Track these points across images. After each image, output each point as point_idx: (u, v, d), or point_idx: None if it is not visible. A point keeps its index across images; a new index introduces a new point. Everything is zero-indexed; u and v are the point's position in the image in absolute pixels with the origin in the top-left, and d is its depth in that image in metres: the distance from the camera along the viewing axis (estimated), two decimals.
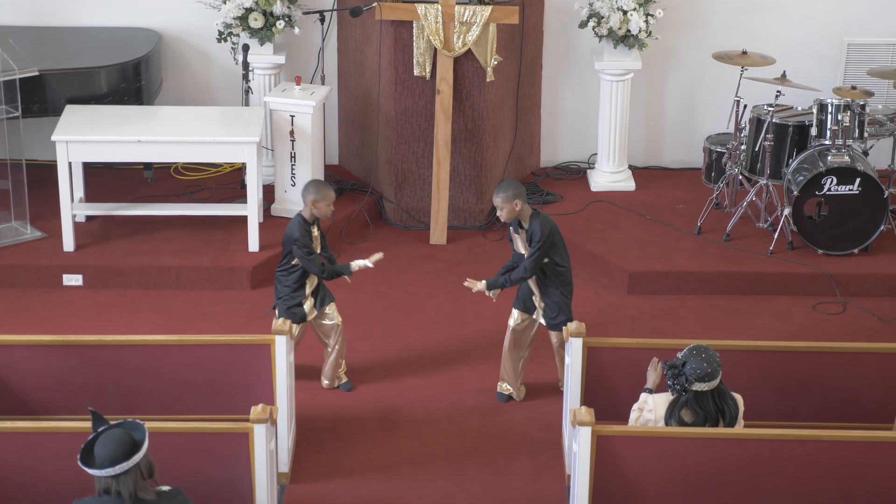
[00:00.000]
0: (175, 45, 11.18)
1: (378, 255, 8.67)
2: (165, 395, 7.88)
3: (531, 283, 8.51)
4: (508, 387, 8.76)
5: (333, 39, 11.20)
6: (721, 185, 10.60)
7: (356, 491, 7.91)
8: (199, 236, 10.35)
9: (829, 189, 10.02)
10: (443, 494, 7.89)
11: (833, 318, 9.75)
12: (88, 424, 7.04)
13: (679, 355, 7.02)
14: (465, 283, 8.58)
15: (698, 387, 6.97)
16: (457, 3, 10.27)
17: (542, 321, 8.56)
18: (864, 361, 7.85)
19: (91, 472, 5.99)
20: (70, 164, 9.96)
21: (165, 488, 6.22)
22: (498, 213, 8.38)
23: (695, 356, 6.96)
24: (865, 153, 10.36)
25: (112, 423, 6.16)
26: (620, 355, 7.85)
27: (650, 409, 7.16)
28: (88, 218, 10.52)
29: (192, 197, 10.87)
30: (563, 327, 8.06)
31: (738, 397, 7.18)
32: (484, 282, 8.51)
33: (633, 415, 7.26)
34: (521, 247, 8.46)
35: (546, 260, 8.36)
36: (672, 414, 7.06)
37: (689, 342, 7.17)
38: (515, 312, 8.63)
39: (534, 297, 8.55)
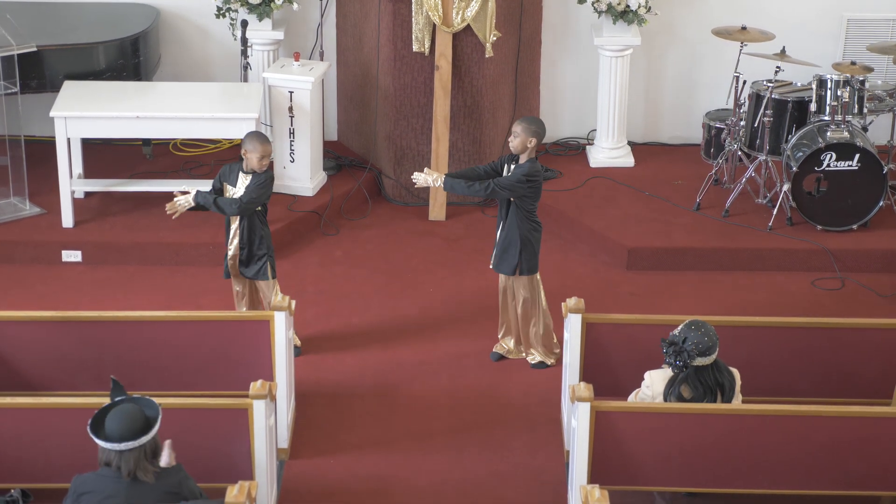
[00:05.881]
0: (173, 21, 11.15)
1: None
2: (165, 371, 7.88)
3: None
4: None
5: (332, 15, 11.17)
6: (720, 161, 10.59)
7: (355, 466, 7.92)
8: (198, 212, 10.32)
9: (828, 165, 10.01)
10: (441, 470, 7.90)
11: (832, 294, 9.76)
12: (87, 400, 7.08)
13: (676, 332, 7.01)
14: (417, 175, 8.47)
15: (700, 361, 6.97)
16: None
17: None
18: (862, 337, 7.86)
19: (97, 441, 5.99)
20: (69, 139, 9.95)
21: (165, 465, 6.23)
22: (509, 140, 8.36)
23: (693, 331, 6.95)
24: (865, 129, 10.35)
25: (131, 395, 6.18)
26: (619, 331, 7.86)
27: (648, 385, 7.17)
28: (87, 194, 10.50)
29: (190, 173, 10.86)
30: (515, 274, 8.45)
31: (735, 371, 7.19)
32: (443, 177, 8.43)
33: (633, 392, 7.29)
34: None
35: (512, 199, 8.38)
36: (671, 390, 7.07)
37: (687, 318, 7.16)
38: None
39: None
